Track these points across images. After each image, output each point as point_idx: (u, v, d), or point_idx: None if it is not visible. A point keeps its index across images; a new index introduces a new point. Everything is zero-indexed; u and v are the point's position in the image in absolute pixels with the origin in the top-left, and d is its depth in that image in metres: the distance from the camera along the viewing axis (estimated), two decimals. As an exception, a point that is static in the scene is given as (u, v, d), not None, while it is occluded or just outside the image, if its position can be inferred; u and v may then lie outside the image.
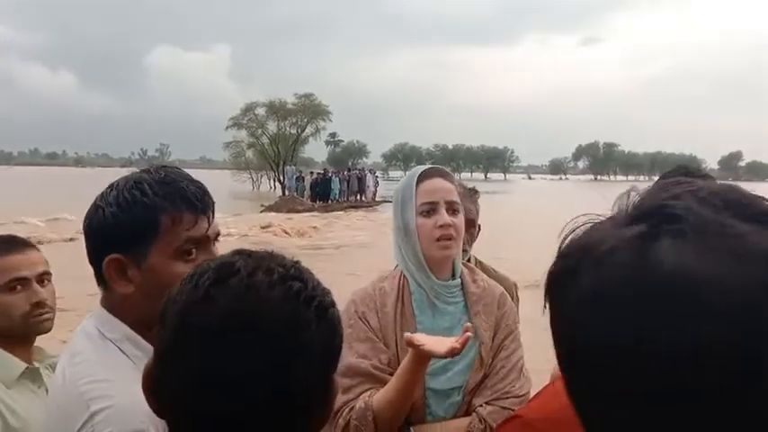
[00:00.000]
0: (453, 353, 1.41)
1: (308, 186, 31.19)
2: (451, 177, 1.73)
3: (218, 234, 1.15)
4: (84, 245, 1.13)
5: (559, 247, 0.51)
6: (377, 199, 32.39)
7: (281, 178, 33.60)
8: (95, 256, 1.09)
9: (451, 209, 1.65)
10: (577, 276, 0.45)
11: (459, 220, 1.66)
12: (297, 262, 0.80)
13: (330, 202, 29.38)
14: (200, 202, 1.10)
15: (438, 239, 1.62)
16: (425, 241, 1.62)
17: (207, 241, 1.11)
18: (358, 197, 32.05)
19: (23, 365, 1.60)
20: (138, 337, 1.08)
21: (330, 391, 0.79)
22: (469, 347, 1.62)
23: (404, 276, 1.69)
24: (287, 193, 31.10)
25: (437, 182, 1.67)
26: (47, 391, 1.54)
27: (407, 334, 1.46)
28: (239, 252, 0.79)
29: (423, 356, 1.44)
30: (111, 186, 1.12)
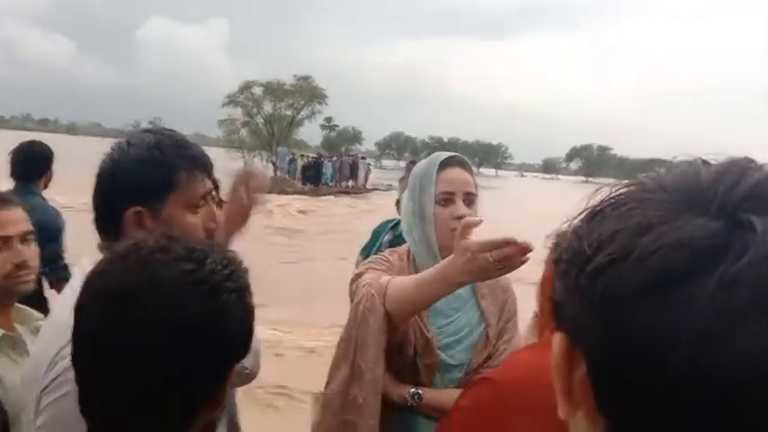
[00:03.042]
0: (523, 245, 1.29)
1: (299, 169, 31.12)
2: (470, 168, 1.76)
3: (212, 191, 1.30)
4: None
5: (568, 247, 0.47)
6: (368, 186, 32.36)
7: (274, 159, 33.46)
8: (111, 208, 1.20)
9: (468, 200, 1.68)
10: (694, 277, 0.39)
11: (474, 211, 1.69)
12: (217, 249, 0.85)
13: (321, 186, 29.33)
14: (206, 162, 1.27)
15: (453, 229, 1.61)
16: (441, 230, 1.66)
17: (209, 197, 1.27)
18: (349, 183, 32.01)
19: None
20: None
21: (218, 377, 0.84)
22: (476, 327, 1.70)
23: (411, 255, 1.74)
24: (278, 174, 30.98)
25: (457, 172, 1.69)
26: None
27: (468, 219, 1.39)
28: (162, 233, 0.86)
29: (467, 255, 1.33)
30: (128, 143, 1.25)
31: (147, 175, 1.20)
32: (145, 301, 0.77)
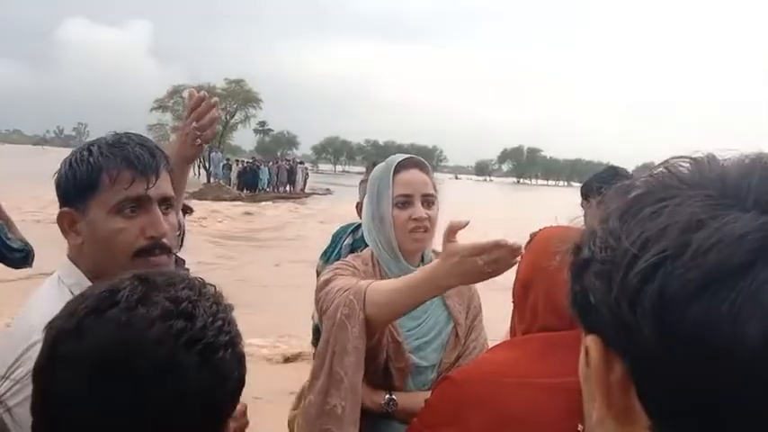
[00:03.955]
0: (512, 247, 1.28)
1: (234, 174, 30.52)
2: (428, 169, 1.75)
3: (164, 197, 1.20)
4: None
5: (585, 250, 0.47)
6: (306, 191, 32.11)
7: (207, 165, 32.71)
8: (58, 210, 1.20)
9: (427, 201, 1.68)
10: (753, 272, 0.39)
11: (434, 212, 1.70)
12: (201, 292, 0.74)
13: (258, 191, 28.87)
14: (141, 163, 1.16)
15: (411, 230, 1.66)
16: (400, 232, 1.66)
17: (148, 201, 1.17)
18: (287, 188, 31.66)
19: None
20: (89, 284, 1.11)
21: None
22: (444, 326, 1.70)
23: (375, 259, 1.72)
24: (212, 180, 30.30)
25: (414, 173, 1.69)
26: None
27: (453, 222, 1.36)
28: (136, 276, 0.74)
29: (454, 257, 1.32)
30: (75, 150, 1.24)
31: (72, 176, 1.17)
32: (135, 371, 0.65)
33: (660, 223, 0.43)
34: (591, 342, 0.47)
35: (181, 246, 2.16)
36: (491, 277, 1.33)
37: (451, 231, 1.35)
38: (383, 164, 1.75)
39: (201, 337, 0.69)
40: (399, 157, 1.74)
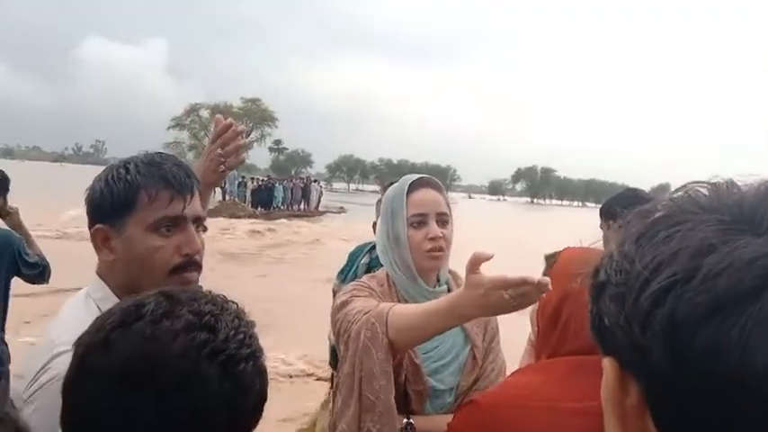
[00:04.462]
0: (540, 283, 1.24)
1: (249, 192, 30.73)
2: (441, 188, 1.75)
3: (198, 218, 1.23)
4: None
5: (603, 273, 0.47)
6: (320, 209, 32.23)
7: (223, 183, 32.99)
8: (89, 227, 1.22)
9: (441, 220, 1.68)
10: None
11: (449, 230, 1.70)
12: (224, 307, 0.76)
13: (272, 209, 29.01)
14: (178, 182, 1.19)
15: (428, 251, 1.65)
16: (416, 252, 1.66)
17: (184, 221, 1.20)
18: (301, 206, 31.79)
19: None
20: (116, 300, 1.14)
21: None
22: (462, 349, 1.69)
23: (391, 280, 1.71)
24: (227, 198, 30.54)
25: (427, 193, 1.70)
26: None
27: (478, 253, 1.31)
28: (161, 292, 0.76)
29: (478, 286, 1.28)
30: (109, 167, 1.25)
31: (108, 193, 1.18)
32: (159, 383, 0.67)
33: (672, 247, 0.43)
34: (607, 364, 0.48)
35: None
36: (515, 311, 1.31)
37: (476, 263, 1.31)
38: (397, 184, 1.76)
39: (224, 348, 0.71)
40: (412, 177, 1.75)
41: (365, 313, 1.51)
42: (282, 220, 24.38)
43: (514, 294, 1.27)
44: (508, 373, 1.71)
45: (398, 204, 1.68)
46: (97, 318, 0.76)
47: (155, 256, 1.17)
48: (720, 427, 0.41)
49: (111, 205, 1.18)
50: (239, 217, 23.89)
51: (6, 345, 3.10)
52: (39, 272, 3.20)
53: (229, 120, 1.52)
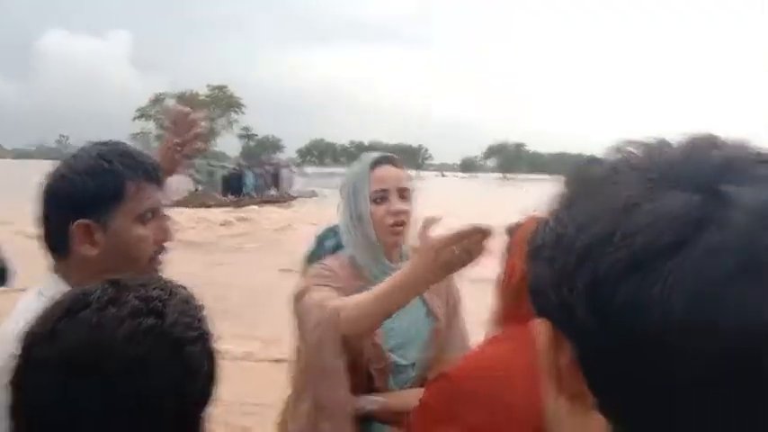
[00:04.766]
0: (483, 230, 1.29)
1: (219, 181, 30.39)
2: (401, 164, 1.78)
3: (162, 206, 1.26)
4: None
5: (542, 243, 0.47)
6: (292, 194, 32.06)
7: (193, 172, 32.54)
8: (59, 224, 1.17)
9: (403, 195, 1.70)
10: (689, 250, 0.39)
11: (410, 206, 1.72)
12: (172, 292, 0.76)
13: (243, 196, 28.76)
14: (155, 173, 1.23)
15: (391, 225, 1.67)
16: (379, 227, 1.67)
17: (159, 210, 1.23)
18: (272, 192, 31.57)
19: None
20: None
21: None
22: (424, 322, 1.72)
23: (353, 260, 1.72)
24: (199, 188, 30.17)
25: (388, 169, 1.72)
26: None
27: (427, 217, 1.35)
28: (108, 280, 0.76)
29: (430, 256, 1.31)
30: (73, 157, 1.21)
31: (94, 185, 1.16)
32: (104, 371, 0.67)
33: (595, 208, 0.43)
34: (540, 326, 0.49)
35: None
36: (466, 265, 1.33)
37: (425, 227, 1.34)
38: (357, 162, 1.78)
39: (171, 332, 0.71)
40: (373, 154, 1.77)
41: (320, 307, 1.51)
42: (253, 207, 24.20)
43: (463, 248, 1.30)
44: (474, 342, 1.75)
45: (361, 182, 1.70)
46: (45, 309, 0.75)
47: (140, 246, 1.19)
48: (645, 387, 0.41)
49: (94, 198, 1.16)
50: (209, 206, 23.61)
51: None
52: None
53: (186, 108, 1.53)
